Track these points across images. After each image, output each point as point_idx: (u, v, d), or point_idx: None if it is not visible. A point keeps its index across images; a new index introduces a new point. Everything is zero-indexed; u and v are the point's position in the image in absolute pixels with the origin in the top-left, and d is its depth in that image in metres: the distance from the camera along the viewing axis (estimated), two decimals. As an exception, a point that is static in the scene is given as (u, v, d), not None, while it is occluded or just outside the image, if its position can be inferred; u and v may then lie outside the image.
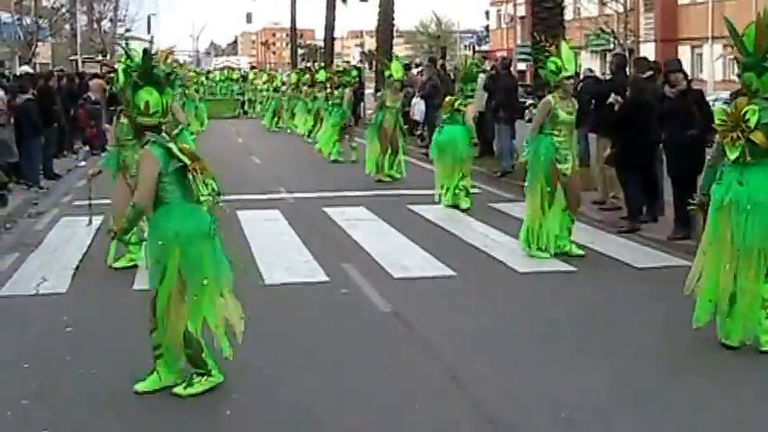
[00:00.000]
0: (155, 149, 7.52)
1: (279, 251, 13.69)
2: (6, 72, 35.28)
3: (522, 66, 54.60)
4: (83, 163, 25.09)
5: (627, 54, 50.48)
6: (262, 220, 16.37)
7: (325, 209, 17.38)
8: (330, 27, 58.08)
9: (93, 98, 26.78)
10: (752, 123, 8.56)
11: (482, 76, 23.56)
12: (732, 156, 8.69)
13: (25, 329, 9.87)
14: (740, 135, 8.62)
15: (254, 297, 9.73)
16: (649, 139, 15.01)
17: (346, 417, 7.30)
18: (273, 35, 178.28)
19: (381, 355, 8.85)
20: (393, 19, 42.41)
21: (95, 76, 33.73)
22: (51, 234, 15.34)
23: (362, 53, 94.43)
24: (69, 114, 27.30)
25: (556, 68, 13.13)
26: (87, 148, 27.95)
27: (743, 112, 8.62)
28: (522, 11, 73.63)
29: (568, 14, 28.84)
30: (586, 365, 8.47)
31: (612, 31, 48.35)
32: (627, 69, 18.54)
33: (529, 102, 32.27)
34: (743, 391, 7.87)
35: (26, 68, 32.71)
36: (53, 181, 22.17)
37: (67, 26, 65.54)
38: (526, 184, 13.36)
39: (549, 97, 13.20)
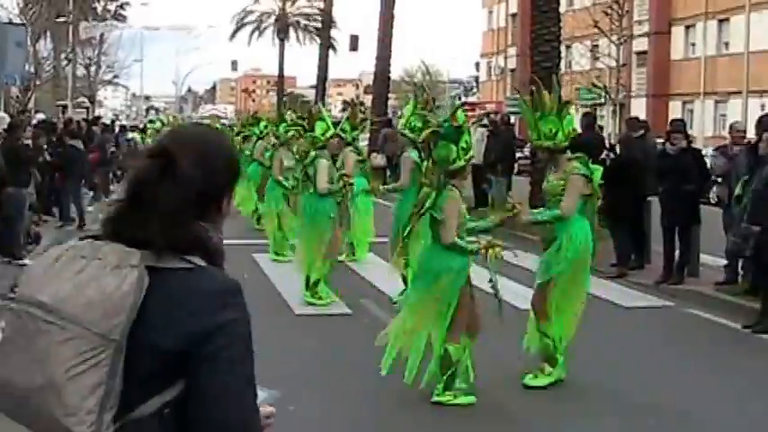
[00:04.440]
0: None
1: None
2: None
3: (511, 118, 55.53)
4: (90, 208, 26.12)
5: (617, 108, 51.76)
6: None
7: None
8: (322, 78, 59.00)
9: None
10: None
11: (480, 130, 24.71)
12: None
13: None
14: None
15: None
16: (638, 193, 16.37)
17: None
18: (254, 82, 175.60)
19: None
20: (389, 71, 43.36)
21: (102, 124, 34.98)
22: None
23: (344, 102, 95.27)
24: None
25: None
26: (92, 193, 29.03)
27: None
28: (512, 63, 74.87)
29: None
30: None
31: (604, 86, 49.31)
32: (595, 127, 19.81)
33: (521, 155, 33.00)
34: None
35: (41, 116, 33.82)
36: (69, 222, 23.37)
37: (51, 72, 65.88)
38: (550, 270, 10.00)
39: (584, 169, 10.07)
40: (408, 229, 9.91)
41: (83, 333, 2.58)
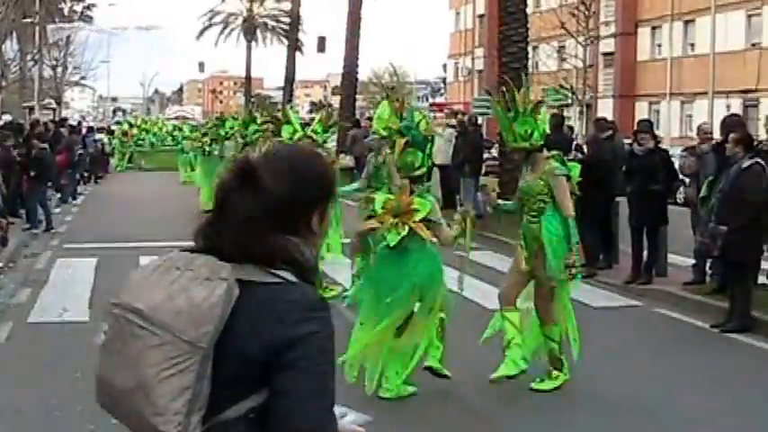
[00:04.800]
0: None
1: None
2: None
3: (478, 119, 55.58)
4: (57, 210, 26.03)
5: (583, 109, 51.99)
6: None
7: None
8: (290, 79, 58.92)
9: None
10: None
11: (448, 131, 24.76)
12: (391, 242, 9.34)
13: (68, 348, 10.95)
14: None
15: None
16: (606, 194, 16.44)
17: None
18: (221, 83, 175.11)
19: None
20: (357, 72, 43.40)
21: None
22: (54, 272, 16.55)
23: (312, 103, 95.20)
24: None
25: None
26: (59, 195, 28.94)
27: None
28: (479, 64, 74.99)
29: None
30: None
31: (571, 87, 49.48)
32: (564, 128, 19.88)
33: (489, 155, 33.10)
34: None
35: (8, 117, 33.66)
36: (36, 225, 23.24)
37: (18, 73, 65.62)
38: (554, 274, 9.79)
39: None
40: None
41: (173, 340, 2.75)
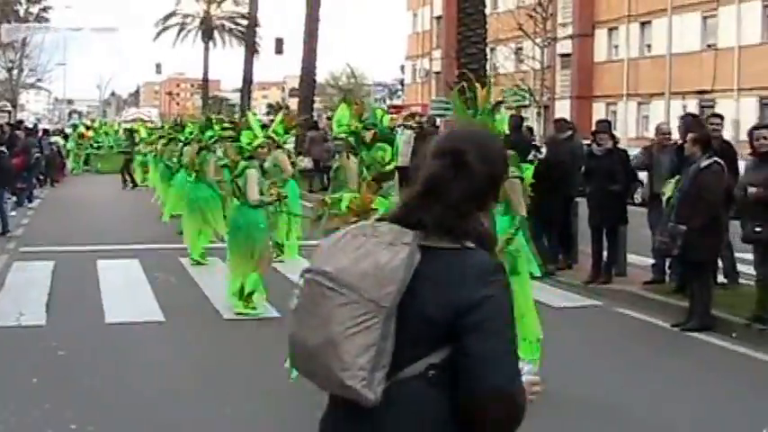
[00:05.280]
0: None
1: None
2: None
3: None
4: (13, 213, 25.77)
5: (541, 110, 52.14)
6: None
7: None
8: (247, 81, 58.70)
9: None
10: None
11: (407, 132, 24.72)
12: None
13: (25, 353, 11.01)
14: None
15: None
16: (565, 194, 16.46)
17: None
18: (178, 85, 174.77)
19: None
20: (315, 74, 43.33)
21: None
22: (10, 276, 16.28)
23: (269, 105, 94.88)
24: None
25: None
26: (14, 198, 28.65)
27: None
28: (437, 66, 75.05)
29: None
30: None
31: (529, 88, 49.63)
32: (523, 129, 19.90)
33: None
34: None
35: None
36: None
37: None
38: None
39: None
40: None
41: (358, 299, 3.04)
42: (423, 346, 3.08)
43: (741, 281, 14.37)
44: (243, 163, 13.45)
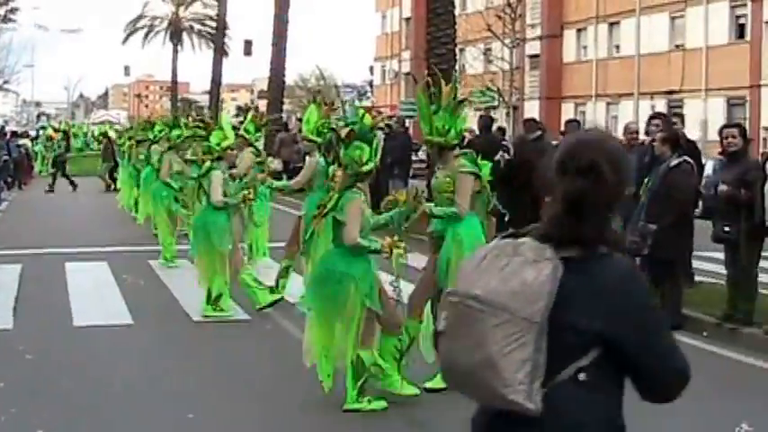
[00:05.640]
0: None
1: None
2: None
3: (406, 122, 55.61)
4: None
5: (510, 110, 52.20)
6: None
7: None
8: (216, 83, 58.46)
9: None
10: None
11: (379, 134, 24.67)
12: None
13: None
14: None
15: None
16: (531, 195, 16.40)
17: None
18: (147, 87, 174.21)
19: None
20: (284, 75, 43.15)
21: None
22: (-23, 280, 16.17)
23: (238, 107, 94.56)
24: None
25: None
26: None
27: None
28: (406, 67, 75.01)
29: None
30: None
31: (498, 89, 49.67)
32: (492, 129, 19.92)
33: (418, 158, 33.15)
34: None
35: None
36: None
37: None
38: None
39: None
40: (310, 231, 9.80)
41: (511, 318, 3.17)
42: (573, 351, 3.26)
43: (711, 279, 14.39)
44: (208, 164, 13.39)
